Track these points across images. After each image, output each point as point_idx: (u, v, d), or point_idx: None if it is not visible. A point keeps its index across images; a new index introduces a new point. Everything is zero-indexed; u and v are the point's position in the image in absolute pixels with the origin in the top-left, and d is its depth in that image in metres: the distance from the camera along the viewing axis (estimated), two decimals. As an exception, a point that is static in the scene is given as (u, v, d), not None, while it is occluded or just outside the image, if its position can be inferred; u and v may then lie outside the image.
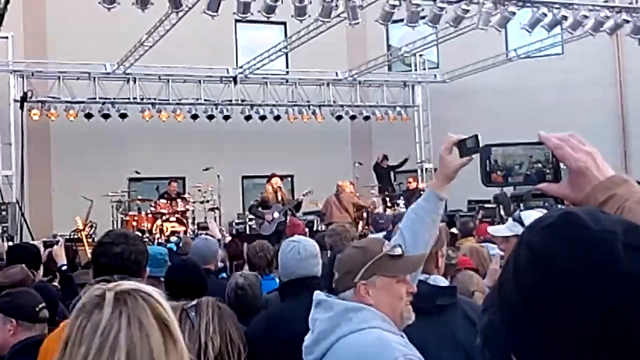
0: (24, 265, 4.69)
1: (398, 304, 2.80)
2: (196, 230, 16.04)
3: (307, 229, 13.76)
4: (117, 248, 3.30)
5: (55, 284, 5.72)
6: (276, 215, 14.60)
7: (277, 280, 5.48)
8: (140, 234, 15.73)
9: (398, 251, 2.81)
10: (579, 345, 1.13)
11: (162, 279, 5.58)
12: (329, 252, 6.39)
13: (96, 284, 1.77)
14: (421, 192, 19.13)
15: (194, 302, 2.74)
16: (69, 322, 1.68)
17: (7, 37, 17.09)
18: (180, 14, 13.95)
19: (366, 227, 15.62)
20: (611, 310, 1.11)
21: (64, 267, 5.68)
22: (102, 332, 1.59)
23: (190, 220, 16.72)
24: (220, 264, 6.98)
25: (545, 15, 15.49)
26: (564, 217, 1.18)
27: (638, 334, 1.13)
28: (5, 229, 15.45)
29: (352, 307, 2.77)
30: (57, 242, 6.18)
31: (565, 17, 15.55)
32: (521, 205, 11.31)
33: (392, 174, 19.56)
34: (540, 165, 1.61)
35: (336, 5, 13.96)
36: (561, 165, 1.58)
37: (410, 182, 18.34)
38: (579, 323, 1.13)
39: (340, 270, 2.90)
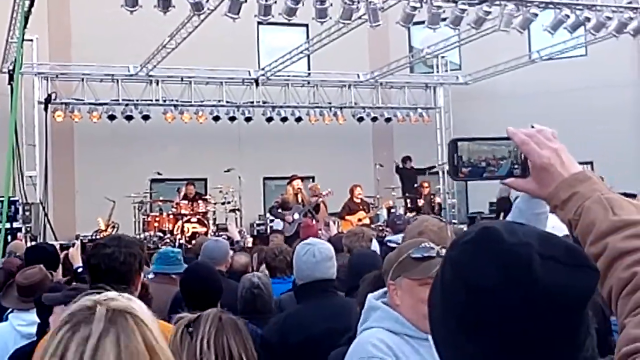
0: (42, 265, 4.74)
1: (420, 306, 2.77)
2: (216, 232, 16.11)
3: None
4: (107, 249, 3.35)
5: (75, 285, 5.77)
6: (296, 216, 14.61)
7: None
8: (161, 235, 15.89)
9: (419, 254, 2.83)
10: (504, 356, 1.15)
11: (174, 276, 5.65)
12: (347, 254, 6.39)
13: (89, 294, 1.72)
14: (432, 196, 19.09)
15: (194, 316, 2.70)
16: (52, 331, 1.63)
17: (32, 40, 17.25)
18: (202, 16, 14.01)
19: (387, 229, 15.59)
20: (532, 321, 1.13)
21: (80, 269, 5.73)
22: (92, 351, 1.54)
23: (211, 221, 16.81)
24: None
25: (568, 16, 15.36)
26: (482, 232, 1.21)
27: (560, 344, 1.15)
28: (28, 229, 15.59)
29: (373, 305, 2.95)
30: (73, 244, 6.23)
31: (588, 19, 15.39)
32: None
33: (416, 176, 19.51)
34: (507, 160, 1.59)
35: (357, 7, 13.95)
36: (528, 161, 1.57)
37: (423, 187, 18.24)
38: (501, 336, 1.15)
39: (383, 269, 3.06)
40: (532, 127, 1.59)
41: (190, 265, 5.31)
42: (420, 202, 17.55)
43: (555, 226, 2.35)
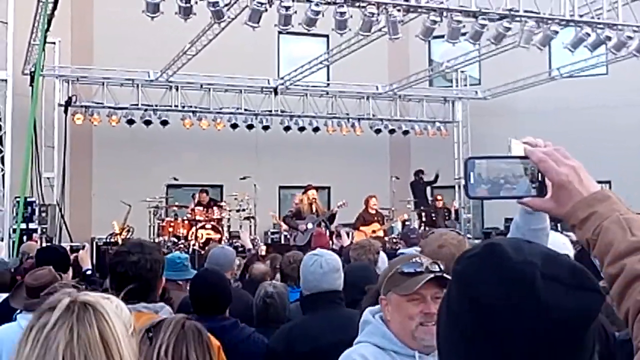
0: (51, 267, 4.77)
1: (407, 323, 2.78)
2: (229, 239, 16.13)
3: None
4: (133, 257, 3.36)
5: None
6: (310, 226, 14.62)
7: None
8: (175, 240, 15.94)
9: (407, 269, 2.80)
10: None
11: (180, 282, 5.67)
12: (354, 266, 6.38)
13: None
14: (446, 210, 19.00)
15: (156, 320, 2.58)
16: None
17: (54, 43, 17.44)
18: (223, 24, 14.09)
19: (399, 241, 15.55)
20: (533, 339, 1.13)
21: (89, 272, 5.77)
22: (45, 337, 1.58)
23: (225, 228, 16.83)
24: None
25: (589, 35, 15.27)
26: (487, 248, 1.21)
27: None
28: (44, 230, 15.70)
29: (366, 319, 2.94)
30: (83, 246, 6.27)
31: (609, 38, 15.31)
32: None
33: (427, 189, 19.48)
34: (525, 179, 1.57)
35: (377, 20, 13.96)
36: (546, 180, 1.55)
37: (437, 200, 18.20)
38: (503, 351, 1.15)
39: (378, 283, 3.08)
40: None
41: (200, 272, 5.32)
42: (434, 216, 17.53)
43: (553, 243, 2.34)
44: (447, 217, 17.87)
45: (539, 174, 1.55)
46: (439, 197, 18.31)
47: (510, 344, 1.14)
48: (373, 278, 5.07)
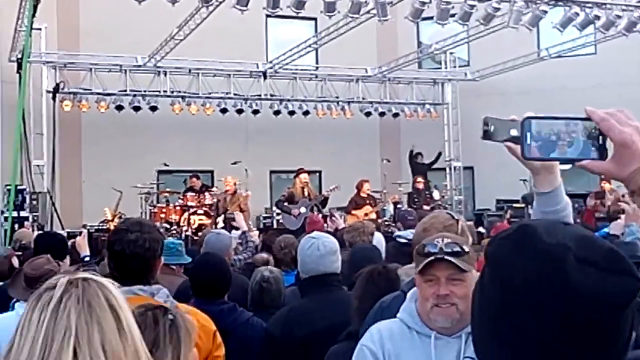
0: (49, 255, 4.76)
1: (424, 303, 2.80)
2: (225, 220, 16.00)
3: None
4: (131, 235, 3.31)
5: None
6: (303, 210, 14.62)
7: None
8: (167, 226, 15.90)
9: (423, 249, 2.78)
10: (530, 357, 1.15)
11: (174, 267, 5.69)
12: (348, 248, 6.38)
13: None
14: (427, 193, 18.91)
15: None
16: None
17: (40, 29, 17.28)
18: (211, 8, 14.01)
19: (393, 224, 15.59)
20: (563, 322, 1.12)
21: (87, 258, 5.76)
22: (51, 311, 1.55)
23: (221, 210, 16.75)
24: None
25: (578, 14, 15.30)
26: (521, 230, 1.20)
27: (586, 349, 1.14)
28: (35, 218, 15.64)
29: (408, 295, 2.99)
30: (80, 232, 6.26)
31: (597, 17, 15.34)
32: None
33: (426, 171, 19.44)
34: (585, 140, 1.49)
35: (366, 2, 13.92)
36: (607, 143, 1.48)
37: (418, 182, 18.17)
38: (531, 336, 1.15)
39: None
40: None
41: (202, 255, 5.31)
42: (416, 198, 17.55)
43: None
44: (429, 199, 17.84)
45: (600, 136, 1.49)
46: (419, 179, 18.26)
47: (540, 327, 1.13)
48: (378, 259, 5.08)
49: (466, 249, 2.75)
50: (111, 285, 1.65)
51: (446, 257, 2.71)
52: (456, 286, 2.70)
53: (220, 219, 14.69)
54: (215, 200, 15.99)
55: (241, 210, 13.51)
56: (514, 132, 1.55)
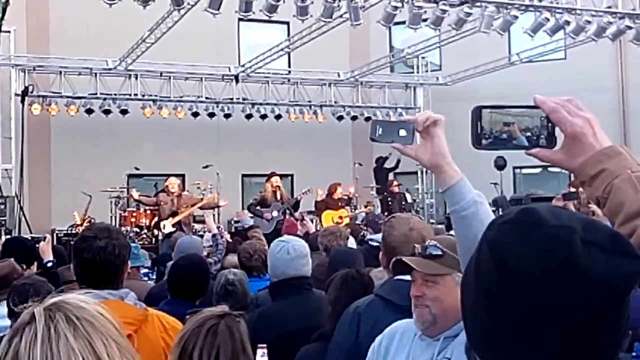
0: (12, 259, 4.67)
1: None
2: (194, 221, 15.83)
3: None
4: (100, 242, 3.25)
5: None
6: (275, 214, 14.60)
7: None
8: (138, 230, 15.75)
9: (414, 249, 2.78)
10: (534, 343, 1.12)
11: (130, 271, 5.68)
12: (322, 252, 6.37)
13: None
14: (401, 195, 18.90)
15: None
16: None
17: (9, 32, 17.07)
18: (182, 11, 13.93)
19: (364, 228, 15.57)
20: (569, 305, 1.10)
21: (50, 264, 5.66)
22: (41, 344, 1.42)
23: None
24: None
25: (548, 20, 15.43)
26: (522, 213, 1.16)
27: (595, 333, 1.11)
28: (3, 222, 15.41)
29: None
30: (44, 237, 6.15)
31: (567, 22, 15.49)
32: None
33: (388, 175, 19.44)
34: (533, 130, 1.51)
35: (338, 6, 13.93)
36: (556, 131, 1.49)
37: (393, 186, 18.15)
38: (535, 320, 1.12)
39: None
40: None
41: (186, 256, 5.36)
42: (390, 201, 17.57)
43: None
44: (403, 203, 17.87)
45: (549, 125, 1.49)
46: (394, 183, 18.29)
47: (546, 308, 1.10)
48: (359, 263, 5.08)
49: (446, 252, 2.67)
50: (85, 300, 1.54)
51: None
52: (429, 288, 2.66)
53: (167, 222, 14.41)
54: (158, 200, 15.37)
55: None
56: (403, 133, 1.59)
